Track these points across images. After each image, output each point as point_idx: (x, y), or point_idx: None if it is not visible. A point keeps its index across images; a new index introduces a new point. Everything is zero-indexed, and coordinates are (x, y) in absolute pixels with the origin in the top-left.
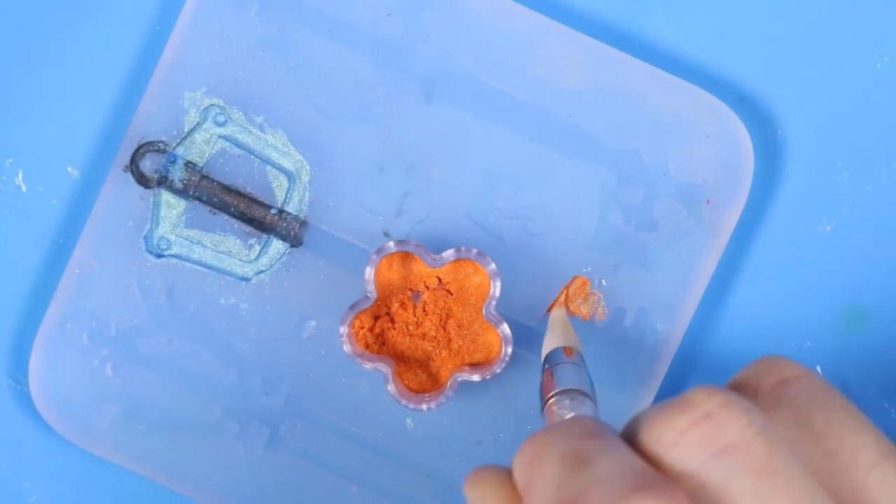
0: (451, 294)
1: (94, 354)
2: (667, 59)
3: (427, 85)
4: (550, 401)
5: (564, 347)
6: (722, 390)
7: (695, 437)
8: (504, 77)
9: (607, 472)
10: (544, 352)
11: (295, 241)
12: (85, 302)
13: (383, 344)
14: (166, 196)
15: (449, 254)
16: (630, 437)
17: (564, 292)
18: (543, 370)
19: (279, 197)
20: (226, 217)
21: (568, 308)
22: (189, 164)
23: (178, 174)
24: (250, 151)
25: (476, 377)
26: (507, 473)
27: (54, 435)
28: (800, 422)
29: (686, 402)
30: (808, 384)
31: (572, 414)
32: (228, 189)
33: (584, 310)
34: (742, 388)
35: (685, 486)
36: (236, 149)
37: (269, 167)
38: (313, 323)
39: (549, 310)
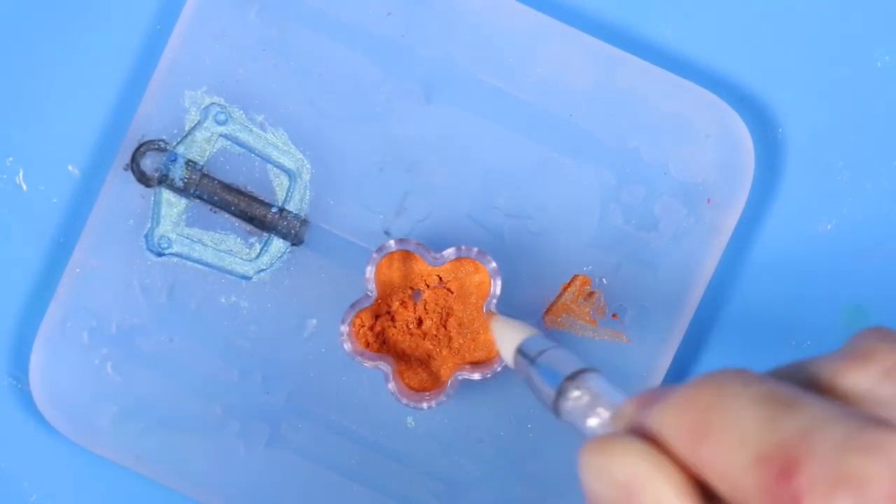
0: (452, 293)
1: (94, 353)
2: (668, 59)
3: (427, 84)
4: (574, 392)
5: (530, 338)
6: (888, 331)
7: (894, 382)
8: (504, 76)
9: (826, 411)
10: (508, 352)
11: (296, 240)
12: (85, 301)
13: (384, 342)
14: (167, 195)
15: (449, 252)
16: (800, 384)
17: (565, 291)
18: (522, 367)
19: (280, 196)
20: (226, 216)
21: (567, 308)
22: (190, 163)
23: (178, 173)
24: (251, 150)
25: (476, 376)
26: (638, 438)
27: (55, 433)
28: None
29: (871, 352)
30: None
31: (603, 394)
32: (229, 188)
33: (585, 309)
34: (873, 354)
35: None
36: (237, 147)
37: (269, 166)
38: (314, 321)
39: (548, 311)
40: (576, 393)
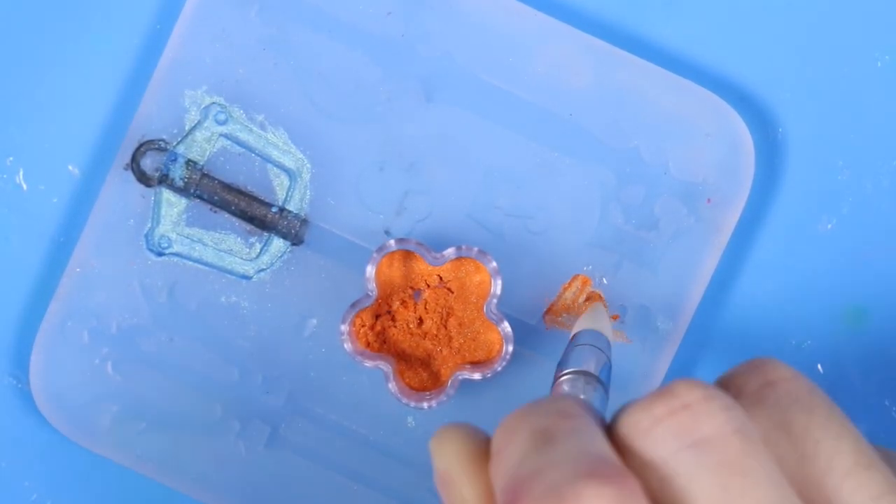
0: (452, 292)
1: (94, 353)
2: (668, 58)
3: (427, 83)
4: (561, 378)
5: (583, 331)
6: (705, 384)
7: (670, 427)
8: (504, 75)
9: (566, 454)
10: (574, 331)
11: (296, 240)
12: (85, 300)
13: (384, 342)
14: (167, 194)
15: (450, 252)
16: (611, 424)
17: (565, 291)
18: (566, 349)
19: (280, 195)
20: (227, 215)
21: (567, 307)
22: (190, 163)
23: (178, 172)
24: (251, 150)
25: (477, 375)
26: (476, 434)
27: (55, 433)
28: (780, 424)
29: (668, 391)
30: (794, 387)
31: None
32: (229, 187)
33: (585, 308)
34: (727, 387)
35: (651, 475)
36: (237, 147)
37: (269, 165)
38: (314, 321)
39: (549, 311)
40: (562, 388)
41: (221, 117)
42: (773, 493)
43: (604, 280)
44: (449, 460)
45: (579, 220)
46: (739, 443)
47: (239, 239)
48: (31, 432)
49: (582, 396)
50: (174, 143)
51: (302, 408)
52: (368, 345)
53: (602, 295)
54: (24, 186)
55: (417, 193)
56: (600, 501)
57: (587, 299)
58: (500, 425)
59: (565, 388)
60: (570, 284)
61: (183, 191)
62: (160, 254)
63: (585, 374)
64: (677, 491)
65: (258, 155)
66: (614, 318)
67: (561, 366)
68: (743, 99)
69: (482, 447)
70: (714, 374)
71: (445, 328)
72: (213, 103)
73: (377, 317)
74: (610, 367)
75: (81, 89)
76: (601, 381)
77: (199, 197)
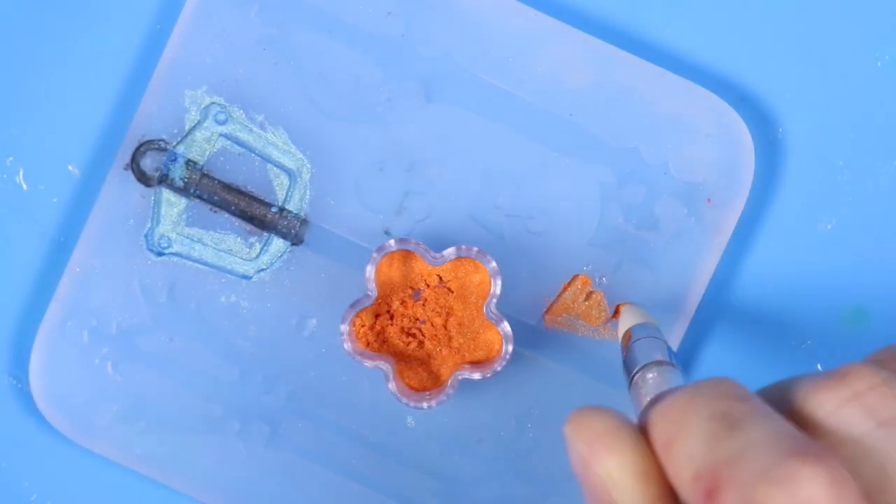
0: (452, 292)
1: (94, 353)
2: (668, 58)
3: (427, 84)
4: (637, 375)
5: (635, 326)
6: (882, 369)
7: (861, 406)
8: (504, 76)
9: (762, 436)
10: (621, 330)
11: (296, 240)
12: (85, 300)
13: (384, 342)
14: (167, 194)
15: (449, 252)
16: (778, 405)
17: (565, 291)
18: (624, 348)
19: (280, 195)
20: (226, 215)
21: (567, 307)
22: (190, 163)
23: (178, 172)
24: (251, 150)
25: (477, 375)
26: (623, 417)
27: (55, 433)
28: None
29: (848, 374)
30: None
31: (666, 385)
32: (229, 187)
33: (585, 308)
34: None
35: (846, 452)
36: (237, 147)
37: (269, 165)
38: (314, 321)
39: (549, 311)
40: (647, 377)
41: (221, 117)
42: None
43: (604, 280)
44: (589, 438)
45: (579, 220)
46: None
47: (239, 239)
48: (31, 432)
49: (665, 385)
50: (174, 143)
51: (302, 407)
52: (368, 345)
53: (602, 295)
54: (24, 186)
55: (417, 193)
56: (815, 481)
57: (587, 299)
58: (659, 414)
59: (651, 382)
60: (570, 284)
61: (183, 191)
62: (160, 254)
63: (660, 363)
64: (872, 469)
65: (258, 155)
66: (614, 317)
67: (629, 365)
68: (743, 99)
69: (639, 436)
70: (715, 373)
71: (445, 328)
72: (213, 103)
73: (377, 317)
74: (672, 351)
75: (81, 89)
76: (676, 364)
77: (199, 197)
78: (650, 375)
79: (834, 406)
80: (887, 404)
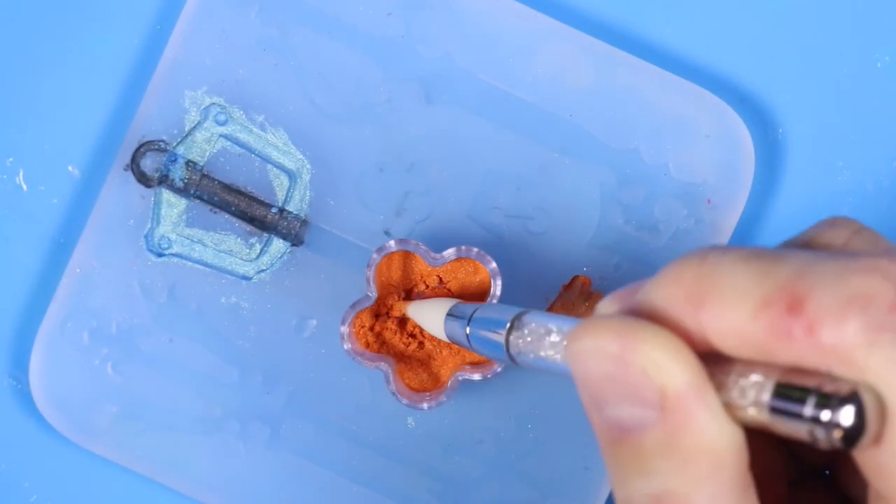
0: (452, 293)
1: (94, 353)
2: (668, 59)
3: (427, 84)
4: (522, 332)
5: (454, 306)
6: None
7: (862, 239)
8: (504, 76)
9: (811, 255)
10: (437, 324)
11: (296, 240)
12: (85, 301)
13: (384, 343)
14: (167, 195)
15: (449, 253)
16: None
17: (565, 291)
18: (457, 332)
19: (280, 196)
20: (227, 216)
21: (567, 308)
22: (190, 163)
23: (178, 173)
24: (251, 150)
25: (477, 376)
26: (625, 314)
27: (55, 434)
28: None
29: (834, 220)
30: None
31: (550, 323)
32: (229, 188)
33: (584, 309)
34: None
35: None
36: (237, 148)
37: (269, 166)
38: (314, 322)
39: (548, 311)
40: (528, 328)
41: (221, 118)
42: None
43: (603, 280)
44: (623, 333)
45: (579, 221)
46: None
47: (239, 239)
48: (31, 432)
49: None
50: (174, 144)
51: (302, 408)
52: (368, 345)
53: (602, 295)
54: (24, 187)
55: (417, 194)
56: (894, 268)
57: (587, 300)
58: (668, 287)
59: (536, 325)
60: (569, 285)
61: (183, 191)
62: (160, 254)
63: (522, 311)
64: None
65: (258, 155)
66: None
67: (486, 329)
68: (743, 99)
69: (657, 322)
70: None
71: None
72: (213, 104)
73: (377, 317)
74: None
75: (81, 89)
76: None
77: (199, 198)
78: (530, 320)
79: (843, 240)
80: (879, 238)
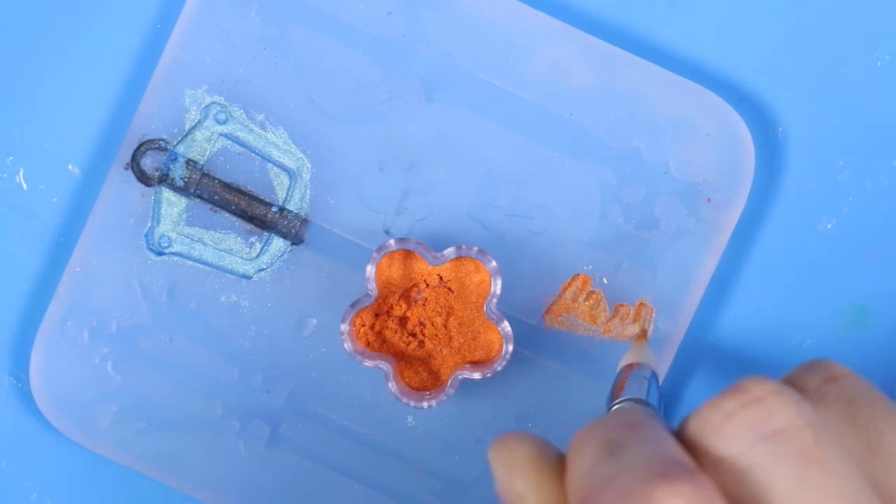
0: (452, 292)
1: (94, 352)
2: (668, 58)
3: (428, 83)
4: (614, 408)
5: (639, 363)
6: (773, 380)
7: (743, 420)
8: (505, 75)
9: (635, 460)
10: (624, 361)
11: (296, 239)
12: (85, 300)
13: (384, 342)
14: (167, 194)
15: (450, 252)
16: (680, 427)
17: (565, 291)
18: (617, 380)
19: (280, 195)
20: (227, 215)
21: (567, 307)
22: (190, 162)
23: (178, 172)
24: (251, 149)
25: (477, 375)
26: (545, 447)
27: (55, 433)
28: (845, 416)
29: (737, 387)
30: (854, 382)
31: None
32: (229, 187)
33: (585, 308)
34: (790, 385)
35: (726, 471)
36: (237, 147)
37: (270, 165)
38: (314, 321)
39: (549, 310)
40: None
41: (221, 117)
42: (848, 482)
43: (604, 280)
44: (520, 478)
45: (579, 220)
46: (813, 434)
47: (239, 238)
48: (31, 432)
49: None
50: (174, 143)
51: (302, 407)
52: (368, 344)
53: (602, 295)
54: (24, 186)
55: (417, 193)
56: (675, 500)
57: (587, 299)
58: (570, 442)
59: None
60: (570, 284)
61: (183, 190)
62: (160, 253)
63: (637, 401)
64: (754, 483)
65: (258, 154)
66: (614, 316)
67: (613, 393)
68: (743, 99)
69: (553, 462)
70: (715, 373)
71: (445, 328)
72: (214, 103)
73: (377, 316)
74: (661, 398)
75: (81, 89)
76: (654, 408)
77: (200, 196)
78: (619, 407)
79: (719, 421)
80: (772, 417)
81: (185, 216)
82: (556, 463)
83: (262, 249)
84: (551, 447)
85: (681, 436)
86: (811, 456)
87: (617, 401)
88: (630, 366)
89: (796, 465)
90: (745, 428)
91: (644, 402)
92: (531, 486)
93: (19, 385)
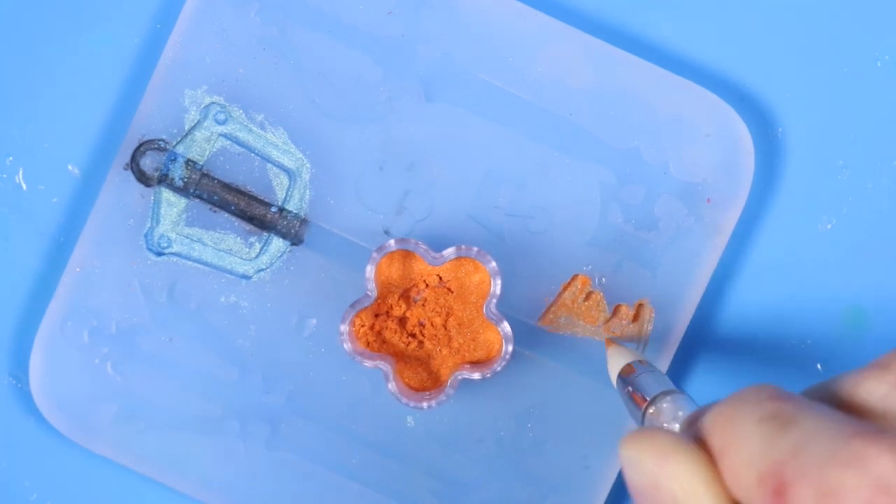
0: (452, 292)
1: (94, 352)
2: (668, 58)
3: (427, 83)
4: (651, 409)
5: (632, 363)
6: None
7: None
8: (504, 75)
9: (818, 426)
10: (613, 374)
11: (295, 240)
12: (85, 300)
13: (384, 342)
14: (167, 194)
15: (449, 252)
16: (825, 401)
17: (565, 291)
18: (623, 390)
19: (280, 195)
20: (226, 215)
21: (567, 307)
22: (189, 163)
23: (178, 172)
24: (251, 149)
25: (476, 375)
26: (679, 436)
27: (55, 433)
28: None
29: (892, 362)
30: None
31: (680, 412)
32: (229, 187)
33: (584, 308)
34: None
35: None
36: (237, 147)
37: (269, 165)
38: (314, 321)
39: (548, 310)
40: (663, 405)
41: (221, 117)
42: None
43: (604, 280)
44: (659, 458)
45: (579, 220)
46: None
47: (239, 239)
48: (30, 432)
49: (679, 412)
50: (174, 143)
51: (302, 407)
52: (368, 344)
53: (602, 295)
54: (24, 186)
55: (417, 193)
56: (883, 458)
57: (587, 299)
58: (710, 422)
59: (666, 409)
60: (569, 284)
61: (182, 190)
62: (160, 253)
63: (670, 391)
64: None
65: (258, 155)
66: (613, 316)
67: (639, 397)
68: (743, 99)
69: (700, 451)
70: (715, 373)
71: (445, 328)
72: (213, 103)
73: (377, 316)
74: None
75: (82, 89)
76: (683, 391)
77: (199, 197)
78: (665, 405)
79: (885, 391)
80: None
81: (184, 216)
82: (702, 449)
83: (261, 250)
84: (689, 442)
85: (841, 405)
86: None
87: (653, 397)
88: (627, 369)
89: None
90: None
91: (679, 392)
92: (692, 474)
93: (19, 385)
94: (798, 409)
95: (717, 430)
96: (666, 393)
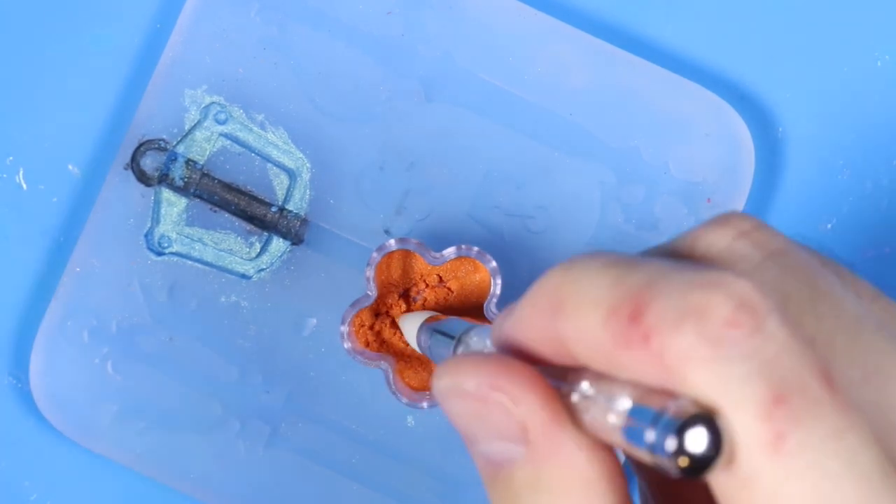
0: (452, 292)
1: (94, 352)
2: (668, 57)
3: (427, 83)
4: (459, 348)
5: (428, 317)
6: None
7: (750, 241)
8: (504, 75)
9: (668, 265)
10: (412, 336)
11: (296, 239)
12: (85, 300)
13: (384, 342)
14: (167, 194)
15: (449, 252)
16: (665, 255)
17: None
18: (426, 345)
19: (280, 195)
20: (227, 215)
21: None
22: (190, 162)
23: (178, 172)
24: (251, 149)
25: None
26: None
27: (55, 433)
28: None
29: (729, 218)
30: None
31: (488, 341)
32: (229, 187)
33: None
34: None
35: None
36: (237, 147)
37: (269, 165)
38: (314, 321)
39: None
40: (472, 339)
41: (221, 117)
42: (845, 293)
43: None
44: (478, 372)
45: (579, 220)
46: (808, 253)
47: (239, 238)
48: (31, 432)
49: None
50: (174, 143)
51: (302, 407)
52: (368, 344)
53: None
54: (24, 186)
55: (417, 193)
56: (739, 283)
57: None
58: (531, 296)
59: (475, 341)
60: None
61: (183, 190)
62: (160, 253)
63: (472, 327)
64: (774, 291)
65: (258, 154)
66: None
67: (445, 339)
68: (743, 99)
69: (517, 359)
70: None
71: None
72: (213, 103)
73: (377, 316)
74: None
75: (82, 88)
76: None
77: (199, 196)
78: (473, 338)
79: (726, 243)
80: (772, 239)
81: (184, 216)
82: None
83: (261, 249)
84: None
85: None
86: (817, 270)
87: (457, 340)
88: (427, 323)
89: (804, 276)
90: (752, 247)
91: (484, 325)
92: (518, 378)
93: (19, 385)
94: (644, 258)
95: (547, 294)
96: (470, 328)
